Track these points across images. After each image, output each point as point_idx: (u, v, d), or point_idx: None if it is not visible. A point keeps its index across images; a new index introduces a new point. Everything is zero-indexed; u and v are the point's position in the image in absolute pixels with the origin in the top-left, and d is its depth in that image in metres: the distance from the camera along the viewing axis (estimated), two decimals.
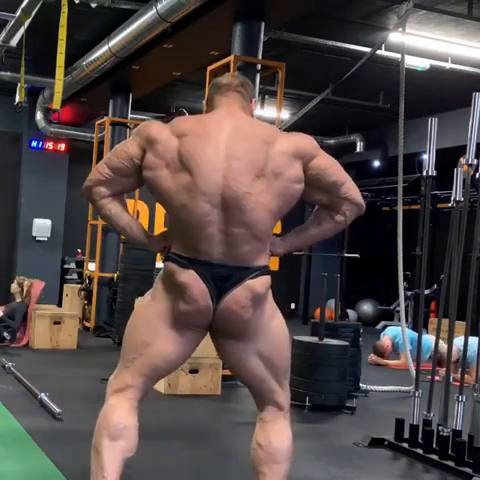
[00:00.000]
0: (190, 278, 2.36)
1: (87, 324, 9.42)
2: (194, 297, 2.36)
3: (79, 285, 10.07)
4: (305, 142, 2.47)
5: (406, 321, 7.16)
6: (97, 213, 2.74)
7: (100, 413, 2.47)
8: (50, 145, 11.94)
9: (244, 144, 2.36)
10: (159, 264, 9.31)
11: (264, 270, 2.42)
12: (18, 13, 6.70)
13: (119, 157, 2.49)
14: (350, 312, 13.34)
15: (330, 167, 2.48)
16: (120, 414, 2.45)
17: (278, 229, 14.85)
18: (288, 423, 2.55)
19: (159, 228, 13.06)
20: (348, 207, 2.51)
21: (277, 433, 2.53)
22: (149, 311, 2.49)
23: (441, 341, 4.92)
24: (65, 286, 10.51)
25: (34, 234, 11.76)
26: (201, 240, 2.35)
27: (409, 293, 9.92)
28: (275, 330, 2.51)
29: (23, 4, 6.51)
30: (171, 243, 2.48)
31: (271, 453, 2.48)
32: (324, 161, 2.48)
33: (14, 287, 7.82)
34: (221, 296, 2.36)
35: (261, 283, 2.39)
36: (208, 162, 2.32)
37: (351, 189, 2.50)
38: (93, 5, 6.74)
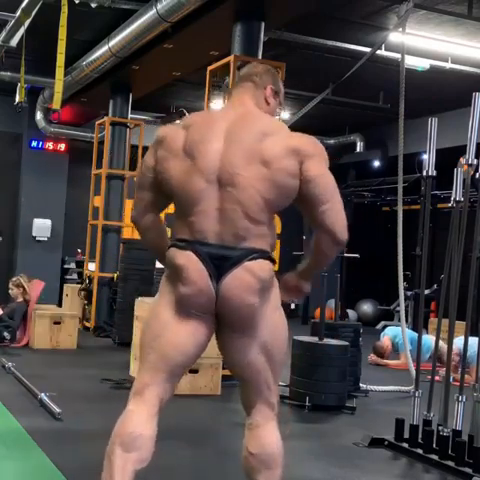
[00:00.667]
0: (187, 259, 2.36)
1: (87, 324, 9.42)
2: (192, 278, 2.34)
3: (79, 285, 10.07)
4: (306, 142, 2.45)
5: (406, 321, 7.16)
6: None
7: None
8: (50, 145, 11.95)
9: (242, 132, 2.42)
10: (159, 264, 9.34)
11: (264, 254, 2.38)
12: (18, 13, 6.71)
13: (144, 173, 2.55)
14: (350, 312, 13.34)
15: (320, 176, 2.39)
16: (136, 422, 2.36)
17: (278, 229, 14.90)
18: (276, 424, 2.53)
19: None
20: (320, 235, 2.43)
21: (268, 438, 2.49)
22: (156, 306, 2.50)
23: (441, 341, 4.92)
24: (65, 286, 10.51)
25: (34, 234, 11.77)
26: (196, 216, 2.36)
27: (409, 293, 9.91)
28: (278, 324, 2.48)
29: (23, 4, 6.51)
30: (174, 234, 2.49)
31: (264, 460, 2.46)
32: (318, 167, 2.40)
33: (15, 292, 7.79)
34: (221, 277, 2.34)
35: (260, 266, 2.35)
36: (209, 148, 2.39)
37: (330, 215, 2.38)
38: (93, 5, 6.74)
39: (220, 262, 2.33)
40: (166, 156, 2.45)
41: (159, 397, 2.40)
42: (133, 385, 2.44)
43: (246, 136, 2.41)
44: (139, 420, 2.35)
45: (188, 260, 2.35)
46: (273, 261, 2.43)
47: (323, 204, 2.37)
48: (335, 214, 2.39)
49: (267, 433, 2.50)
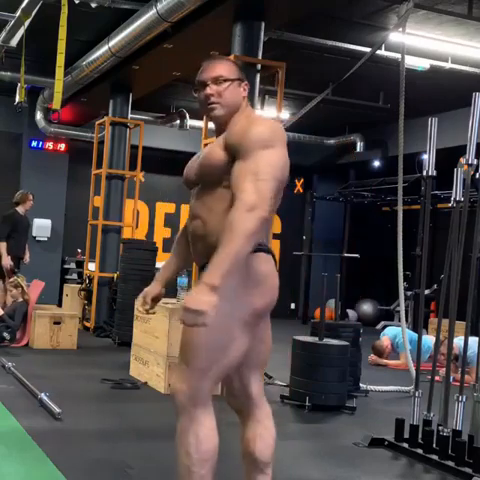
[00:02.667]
0: (272, 266, 2.49)
1: (87, 324, 9.42)
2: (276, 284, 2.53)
3: (79, 285, 10.07)
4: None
5: (406, 321, 7.16)
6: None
7: (190, 432, 2.37)
8: (50, 145, 11.95)
9: None
10: (159, 264, 9.33)
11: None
12: (18, 13, 6.71)
13: (283, 172, 2.42)
14: (350, 312, 13.34)
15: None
16: (216, 437, 2.40)
17: (278, 229, 14.88)
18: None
19: (159, 228, 13.07)
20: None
21: (270, 434, 2.62)
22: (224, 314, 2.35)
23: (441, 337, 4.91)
24: (65, 286, 10.51)
25: (34, 234, 11.76)
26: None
27: (409, 293, 9.92)
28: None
29: (23, 4, 6.52)
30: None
31: (264, 462, 2.61)
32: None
33: (14, 293, 7.79)
34: None
35: None
36: None
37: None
38: (93, 5, 6.74)
39: None
40: None
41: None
42: (193, 393, 2.38)
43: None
44: (215, 434, 2.40)
45: (274, 267, 2.45)
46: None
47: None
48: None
49: (269, 425, 2.66)
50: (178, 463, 2.41)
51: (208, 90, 2.50)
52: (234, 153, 2.38)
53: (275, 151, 2.36)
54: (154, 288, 2.95)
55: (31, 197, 8.91)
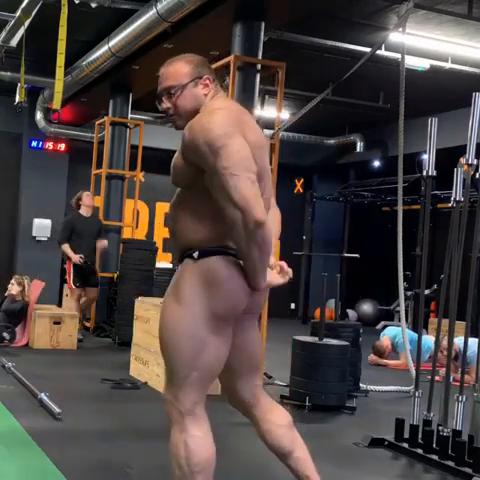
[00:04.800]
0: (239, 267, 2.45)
1: (87, 324, 9.41)
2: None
3: None
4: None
5: (406, 321, 7.16)
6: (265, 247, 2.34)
7: (179, 443, 2.32)
8: (50, 145, 11.94)
9: None
10: (159, 264, 9.33)
11: None
12: (18, 13, 6.71)
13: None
14: (350, 312, 13.34)
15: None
16: (208, 446, 2.35)
17: None
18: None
19: (159, 228, 13.06)
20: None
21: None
22: (189, 320, 2.37)
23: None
24: (65, 286, 10.49)
25: (34, 234, 11.77)
26: None
27: (409, 293, 9.91)
28: None
29: (23, 4, 6.51)
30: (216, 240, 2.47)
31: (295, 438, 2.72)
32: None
33: (14, 288, 7.79)
34: None
35: None
36: None
37: None
38: (93, 5, 6.74)
39: None
40: None
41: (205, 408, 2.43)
42: (178, 403, 2.36)
43: None
44: (208, 442, 2.35)
45: (236, 269, 2.39)
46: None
47: None
48: None
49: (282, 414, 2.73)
50: (171, 473, 2.36)
51: (163, 105, 2.50)
52: (191, 160, 2.36)
53: (224, 149, 2.23)
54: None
55: (85, 194, 8.51)
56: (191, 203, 2.42)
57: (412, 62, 7.96)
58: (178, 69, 2.47)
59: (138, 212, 11.01)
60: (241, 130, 2.32)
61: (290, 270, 2.50)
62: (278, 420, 2.64)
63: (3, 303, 7.72)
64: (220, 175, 2.22)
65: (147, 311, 6.23)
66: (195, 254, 2.36)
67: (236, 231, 2.23)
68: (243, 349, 2.54)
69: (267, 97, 9.71)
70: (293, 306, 14.22)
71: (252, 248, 2.24)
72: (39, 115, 11.34)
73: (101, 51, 8.05)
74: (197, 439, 2.31)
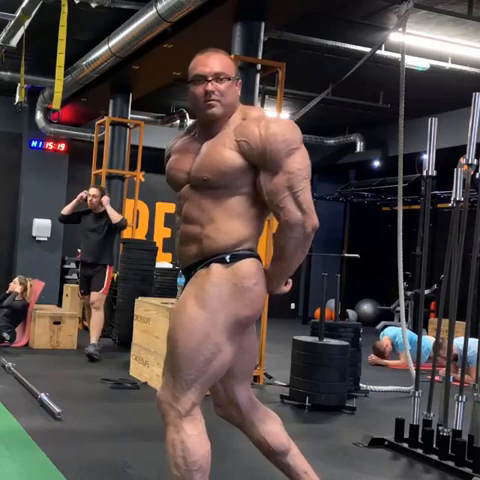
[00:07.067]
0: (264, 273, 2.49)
1: (87, 324, 9.40)
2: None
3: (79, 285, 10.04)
4: None
5: (406, 321, 7.16)
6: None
7: (176, 442, 2.31)
8: (50, 145, 11.95)
9: None
10: (159, 264, 9.32)
11: None
12: (18, 13, 6.70)
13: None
14: (350, 312, 13.34)
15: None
16: (203, 444, 2.35)
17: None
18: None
19: (159, 228, 13.06)
20: None
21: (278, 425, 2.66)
22: (207, 324, 2.32)
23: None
24: (65, 286, 10.49)
25: (34, 234, 11.76)
26: None
27: (409, 293, 9.91)
28: None
29: (23, 4, 6.51)
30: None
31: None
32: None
33: (16, 286, 7.79)
34: None
35: None
36: None
37: None
38: (93, 5, 6.74)
39: None
40: None
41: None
42: (178, 403, 2.33)
43: None
44: (203, 439, 2.36)
45: (263, 274, 2.41)
46: None
47: None
48: None
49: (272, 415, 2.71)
50: (168, 473, 2.34)
51: (210, 86, 2.37)
52: (255, 160, 2.31)
53: (300, 152, 2.36)
54: None
55: (89, 191, 7.95)
56: (226, 204, 2.35)
57: (412, 62, 7.95)
58: (229, 61, 2.49)
59: (138, 212, 11.00)
60: None
61: (290, 280, 2.54)
62: (274, 420, 2.66)
63: (4, 300, 7.71)
64: (292, 175, 2.29)
65: (147, 311, 6.23)
66: (227, 257, 2.33)
67: (291, 232, 2.28)
68: (245, 353, 2.54)
69: (267, 97, 9.71)
70: (293, 306, 14.22)
71: (298, 251, 2.32)
72: (39, 115, 11.34)
73: (101, 51, 8.04)
74: (193, 438, 2.32)
